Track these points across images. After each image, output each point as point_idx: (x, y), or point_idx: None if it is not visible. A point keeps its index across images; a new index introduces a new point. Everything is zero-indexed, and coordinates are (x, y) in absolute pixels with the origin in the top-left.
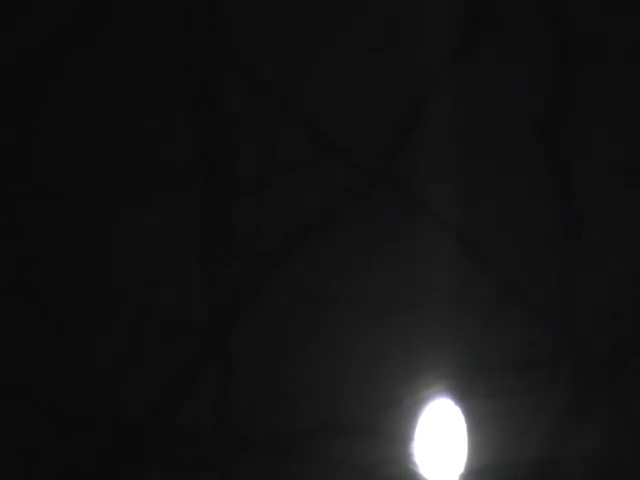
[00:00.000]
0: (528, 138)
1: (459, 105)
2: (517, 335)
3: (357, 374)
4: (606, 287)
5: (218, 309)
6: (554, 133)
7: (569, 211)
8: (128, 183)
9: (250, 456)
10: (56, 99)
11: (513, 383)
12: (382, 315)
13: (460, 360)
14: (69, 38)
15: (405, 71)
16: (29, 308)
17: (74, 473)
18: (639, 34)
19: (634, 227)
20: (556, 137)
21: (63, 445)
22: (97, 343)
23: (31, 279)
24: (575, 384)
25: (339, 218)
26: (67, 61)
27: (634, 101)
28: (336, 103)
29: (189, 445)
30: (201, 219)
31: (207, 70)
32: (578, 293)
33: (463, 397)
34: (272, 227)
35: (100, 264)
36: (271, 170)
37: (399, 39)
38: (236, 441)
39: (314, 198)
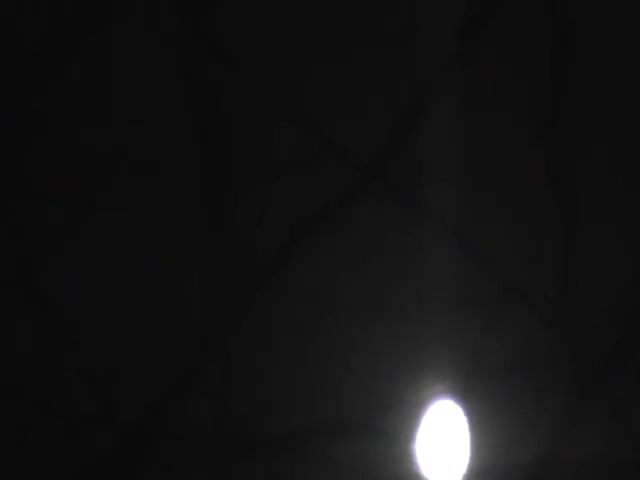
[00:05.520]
0: (528, 138)
1: (459, 105)
2: (517, 335)
3: (357, 374)
4: (606, 287)
5: (218, 309)
6: (554, 133)
7: (569, 211)
8: (128, 183)
9: (250, 456)
10: (56, 99)
11: (513, 383)
12: (382, 316)
13: (460, 360)
14: (69, 38)
15: (405, 71)
16: (29, 308)
17: (74, 473)
18: (639, 34)
19: (634, 227)
20: (556, 137)
21: (63, 445)
22: (97, 343)
23: (31, 279)
24: (575, 384)
25: (339, 218)
26: (67, 61)
27: (634, 101)
28: (336, 103)
29: (189, 445)
30: (201, 219)
31: (207, 70)
32: (578, 293)
33: (463, 397)
34: (272, 227)
35: (100, 264)
36: (271, 170)
37: (399, 39)
38: (236, 441)
39: (314, 198)
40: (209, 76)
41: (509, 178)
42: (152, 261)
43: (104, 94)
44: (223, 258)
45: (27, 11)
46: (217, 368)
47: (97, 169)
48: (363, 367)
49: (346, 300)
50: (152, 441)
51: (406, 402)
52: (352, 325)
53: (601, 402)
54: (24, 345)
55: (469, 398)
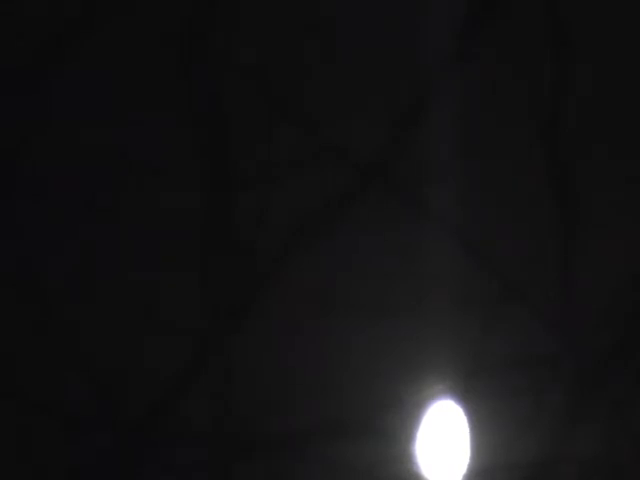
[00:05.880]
0: (528, 138)
1: (459, 105)
2: (517, 335)
3: (358, 374)
4: (606, 287)
5: (218, 309)
6: (554, 133)
7: (569, 211)
8: (128, 183)
9: (250, 456)
10: (56, 99)
11: (514, 383)
12: (382, 316)
13: (460, 360)
14: (69, 38)
15: (405, 71)
16: (29, 307)
17: (74, 473)
18: (639, 34)
19: (634, 227)
20: (556, 137)
21: (63, 445)
22: (97, 343)
23: (31, 279)
24: (575, 384)
25: (339, 218)
26: (67, 61)
27: (634, 101)
28: (336, 103)
29: (189, 445)
30: (201, 219)
31: (207, 70)
32: (578, 293)
33: (464, 397)
34: (272, 227)
35: (100, 264)
36: (271, 170)
37: (399, 39)
38: (236, 441)
39: (314, 198)
40: (209, 76)
41: (509, 178)
42: (152, 261)
43: (104, 94)
44: (223, 258)
45: (27, 11)
46: (217, 368)
47: (97, 169)
48: (363, 367)
49: (346, 300)
50: (152, 441)
51: (406, 402)
52: (352, 325)
53: (601, 402)
54: (24, 345)
55: (469, 398)
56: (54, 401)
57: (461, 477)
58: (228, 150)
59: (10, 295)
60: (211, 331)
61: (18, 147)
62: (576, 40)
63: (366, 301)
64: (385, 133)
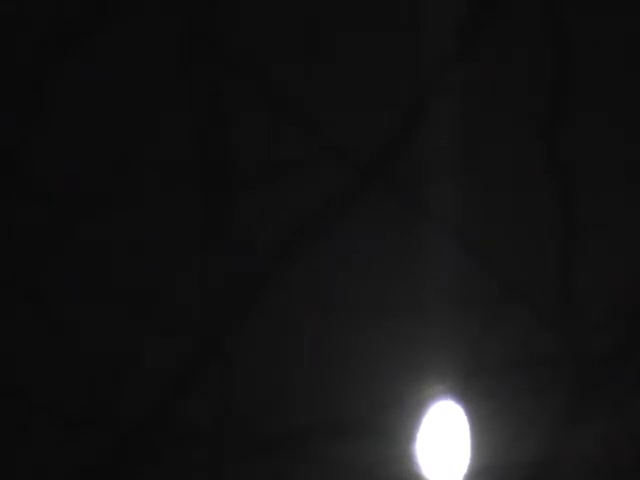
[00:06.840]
0: (528, 138)
1: (459, 105)
2: (517, 335)
3: (357, 374)
4: (606, 287)
5: (218, 309)
6: (554, 133)
7: (569, 211)
8: (128, 183)
9: (250, 456)
10: (56, 99)
11: (513, 383)
12: (382, 316)
13: (460, 360)
14: (69, 38)
15: (405, 71)
16: (29, 308)
17: (74, 473)
18: (639, 34)
19: (634, 227)
20: (556, 137)
21: (63, 445)
22: (97, 343)
23: (31, 279)
24: (575, 384)
25: (339, 218)
26: (67, 61)
27: (634, 101)
28: (336, 103)
29: (189, 445)
30: (201, 219)
31: (207, 70)
32: (578, 293)
33: (463, 397)
34: (272, 227)
35: (100, 264)
36: (271, 170)
37: (399, 39)
38: (236, 441)
39: (314, 198)
40: (209, 76)
41: (509, 178)
42: (152, 261)
43: (104, 94)
44: (223, 258)
45: (27, 11)
46: (217, 368)
47: (97, 169)
48: (363, 367)
49: (346, 300)
50: (152, 441)
51: (406, 402)
52: (352, 325)
53: (601, 402)
54: (24, 345)
55: (469, 398)
56: (54, 401)
57: (461, 477)
58: (228, 150)
59: (10, 295)
60: (211, 331)
61: (18, 147)
62: (576, 40)
63: (366, 301)
64: (385, 133)
